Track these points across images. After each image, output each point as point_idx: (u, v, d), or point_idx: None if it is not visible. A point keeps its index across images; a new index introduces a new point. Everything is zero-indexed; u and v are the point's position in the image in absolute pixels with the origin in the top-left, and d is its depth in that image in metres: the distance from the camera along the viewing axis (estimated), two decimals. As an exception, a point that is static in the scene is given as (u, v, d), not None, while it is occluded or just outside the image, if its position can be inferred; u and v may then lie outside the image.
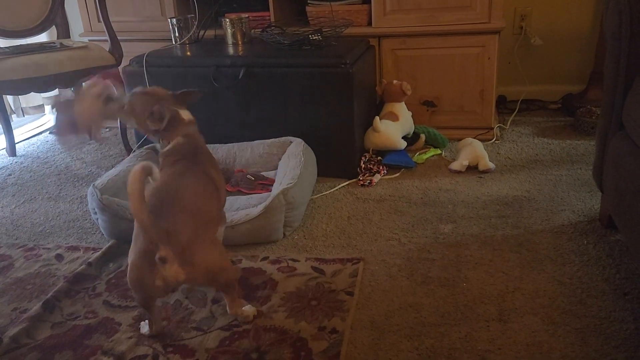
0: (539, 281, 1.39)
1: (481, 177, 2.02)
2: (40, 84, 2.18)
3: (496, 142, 2.33)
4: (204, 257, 1.15)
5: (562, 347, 1.16)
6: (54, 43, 2.37)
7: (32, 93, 2.30)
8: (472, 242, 1.59)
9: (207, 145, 2.14)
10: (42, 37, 2.72)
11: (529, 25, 2.67)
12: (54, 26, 2.58)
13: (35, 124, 3.01)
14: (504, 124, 2.52)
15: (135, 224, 1.14)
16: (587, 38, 2.64)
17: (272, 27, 2.32)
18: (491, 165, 2.05)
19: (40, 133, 2.88)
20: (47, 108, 3.13)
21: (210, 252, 1.18)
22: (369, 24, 2.40)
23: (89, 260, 1.58)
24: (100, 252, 1.62)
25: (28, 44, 2.36)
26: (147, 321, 1.29)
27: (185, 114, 1.37)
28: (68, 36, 2.61)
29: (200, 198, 1.23)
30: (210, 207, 1.25)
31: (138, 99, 1.34)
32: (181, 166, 1.27)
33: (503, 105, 2.75)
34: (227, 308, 1.29)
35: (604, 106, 1.48)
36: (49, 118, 3.09)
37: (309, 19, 2.47)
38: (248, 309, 1.31)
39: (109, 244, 1.67)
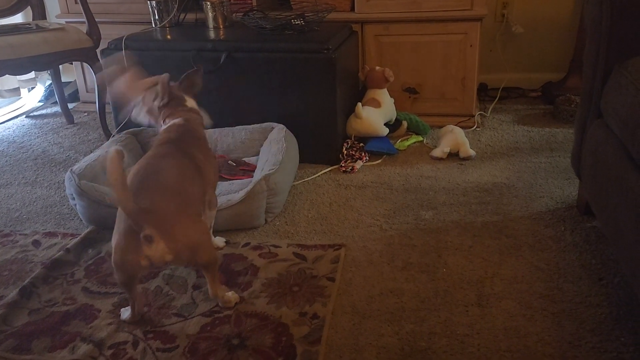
0: (517, 267, 1.41)
1: (462, 164, 2.03)
2: (15, 67, 2.12)
3: (477, 129, 2.35)
4: (185, 234, 1.16)
5: (538, 331, 1.18)
6: (29, 24, 2.32)
7: (7, 75, 2.24)
8: (453, 229, 1.60)
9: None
10: (17, 18, 2.65)
11: (511, 13, 2.68)
12: (29, 7, 2.51)
13: (11, 108, 2.94)
14: (484, 112, 2.54)
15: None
16: (567, 27, 2.67)
17: (254, 11, 2.29)
18: (472, 152, 2.07)
19: (17, 117, 2.82)
20: (23, 91, 3.07)
21: (192, 229, 1.19)
22: (352, 9, 2.39)
23: (67, 246, 1.55)
24: (78, 238, 1.60)
25: (2, 25, 2.29)
26: (128, 307, 1.28)
27: (190, 102, 1.47)
28: (44, 17, 2.54)
29: (180, 178, 1.23)
30: (191, 188, 1.25)
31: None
32: (165, 148, 1.29)
33: (484, 92, 2.77)
34: (209, 289, 1.29)
35: (583, 94, 1.50)
36: (25, 101, 3.02)
37: (292, 3, 2.44)
38: (230, 295, 1.31)
39: (88, 229, 1.65)
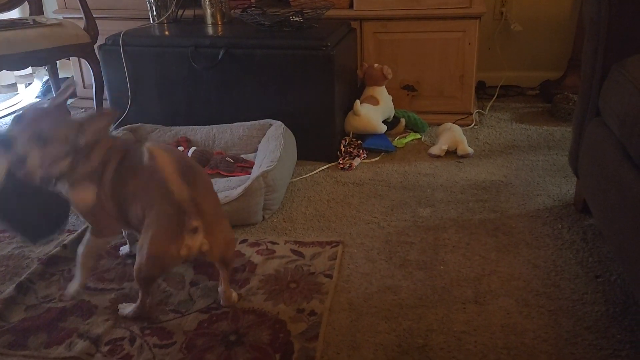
0: (515, 264, 1.41)
1: (460, 162, 2.04)
2: (12, 62, 2.11)
3: (475, 127, 2.35)
4: (222, 229, 1.20)
5: (535, 328, 1.19)
6: (26, 20, 2.30)
7: (4, 71, 2.23)
8: (450, 226, 1.60)
9: (186, 127, 2.14)
10: (14, 14, 2.64)
11: (509, 11, 2.68)
12: (26, 2, 2.50)
13: (8, 103, 2.93)
14: (483, 110, 2.54)
15: (158, 199, 1.13)
16: (566, 25, 2.67)
17: (253, 8, 2.29)
18: (470, 150, 2.07)
19: (13, 112, 2.81)
20: (20, 87, 3.06)
21: (226, 225, 1.23)
22: (351, 6, 2.38)
23: (64, 242, 1.55)
24: (75, 234, 1.60)
25: (-1, 20, 2.28)
26: (126, 304, 1.28)
27: None
28: (41, 13, 2.53)
29: (207, 175, 1.27)
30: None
31: (44, 118, 1.16)
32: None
33: (482, 90, 2.77)
34: (224, 291, 1.28)
35: (581, 93, 1.50)
36: (22, 97, 3.01)
37: (290, 0, 2.44)
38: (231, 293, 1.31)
39: (85, 225, 1.64)
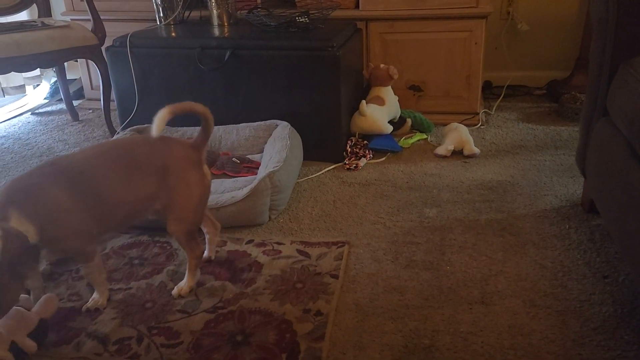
0: (522, 265, 1.40)
1: (466, 162, 2.03)
2: (21, 64, 2.13)
3: (481, 127, 2.35)
4: None
5: (542, 328, 1.18)
6: (34, 22, 2.32)
7: (12, 73, 2.25)
8: (457, 226, 1.60)
9: (193, 128, 2.15)
10: (23, 16, 2.66)
11: (516, 11, 2.67)
12: (34, 4, 2.52)
13: (17, 105, 2.95)
14: (489, 110, 2.53)
15: (172, 155, 1.31)
16: (573, 24, 2.65)
17: (259, 9, 2.29)
18: (476, 150, 2.06)
19: (22, 114, 2.83)
20: (29, 88, 3.08)
21: None
22: (357, 6, 2.38)
23: (72, 242, 1.56)
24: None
25: (8, 23, 2.30)
26: (177, 285, 1.35)
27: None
28: (49, 15, 2.55)
29: None
30: None
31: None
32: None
33: (489, 90, 2.76)
34: (213, 225, 1.46)
35: (588, 92, 1.49)
36: (30, 98, 3.03)
37: (296, 1, 2.44)
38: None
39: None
